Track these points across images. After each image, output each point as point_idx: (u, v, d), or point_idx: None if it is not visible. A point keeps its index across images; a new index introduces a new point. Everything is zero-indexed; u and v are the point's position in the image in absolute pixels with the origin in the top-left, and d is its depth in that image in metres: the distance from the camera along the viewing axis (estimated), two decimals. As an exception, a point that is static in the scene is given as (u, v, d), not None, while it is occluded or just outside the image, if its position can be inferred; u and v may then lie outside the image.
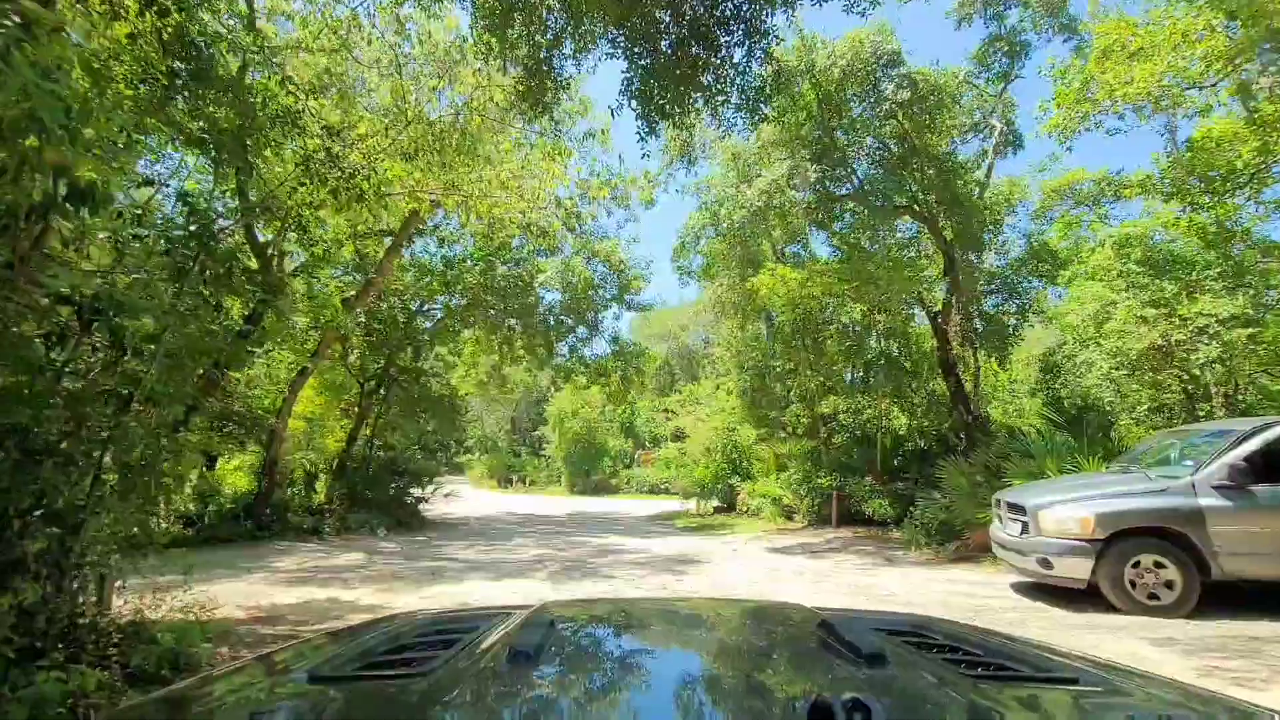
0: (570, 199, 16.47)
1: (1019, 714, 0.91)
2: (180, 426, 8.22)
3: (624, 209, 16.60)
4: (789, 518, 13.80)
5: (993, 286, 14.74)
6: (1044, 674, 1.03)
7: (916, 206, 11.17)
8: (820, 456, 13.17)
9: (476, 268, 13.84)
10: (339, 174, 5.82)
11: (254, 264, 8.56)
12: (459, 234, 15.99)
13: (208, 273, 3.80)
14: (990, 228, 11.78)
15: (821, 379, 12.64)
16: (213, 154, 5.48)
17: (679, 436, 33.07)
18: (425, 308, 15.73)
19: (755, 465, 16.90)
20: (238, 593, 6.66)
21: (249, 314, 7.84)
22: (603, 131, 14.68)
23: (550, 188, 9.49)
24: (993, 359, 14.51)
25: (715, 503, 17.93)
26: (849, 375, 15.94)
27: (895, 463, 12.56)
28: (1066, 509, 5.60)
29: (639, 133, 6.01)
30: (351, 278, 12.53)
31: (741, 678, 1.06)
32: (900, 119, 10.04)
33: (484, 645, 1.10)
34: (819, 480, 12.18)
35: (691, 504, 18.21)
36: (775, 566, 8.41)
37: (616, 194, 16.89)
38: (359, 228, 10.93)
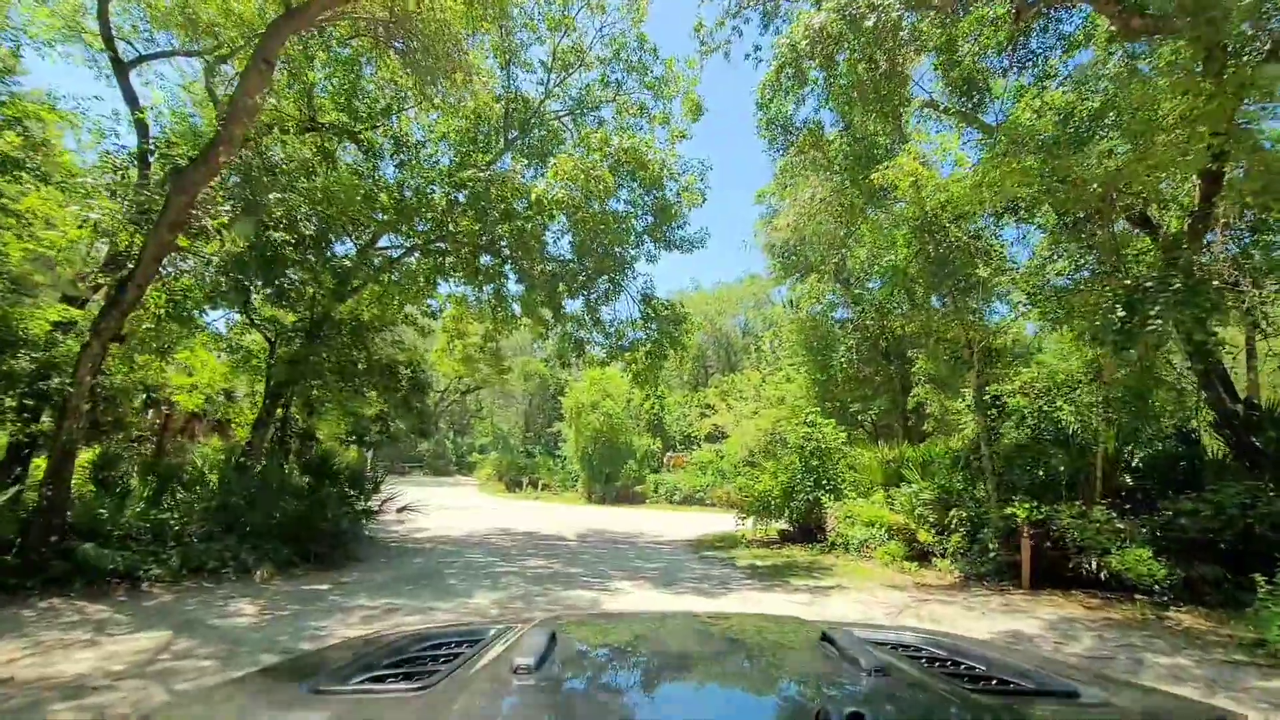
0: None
1: None
2: None
3: (660, 103, 11.80)
4: (922, 560, 8.74)
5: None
6: (1045, 688, 1.01)
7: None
8: (980, 464, 8.11)
9: (439, 169, 9.10)
10: None
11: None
12: (430, 136, 11.35)
13: None
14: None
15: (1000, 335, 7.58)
16: None
17: (715, 437, 28.10)
18: (379, 242, 11.11)
19: (846, 476, 11.84)
20: None
21: None
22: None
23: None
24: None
25: (781, 525, 12.88)
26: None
27: (1126, 479, 7.43)
28: None
29: None
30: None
31: (743, 691, 1.07)
32: None
33: (486, 659, 1.09)
34: (1006, 505, 7.08)
35: (748, 523, 13.18)
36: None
37: (658, 97, 12.16)
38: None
